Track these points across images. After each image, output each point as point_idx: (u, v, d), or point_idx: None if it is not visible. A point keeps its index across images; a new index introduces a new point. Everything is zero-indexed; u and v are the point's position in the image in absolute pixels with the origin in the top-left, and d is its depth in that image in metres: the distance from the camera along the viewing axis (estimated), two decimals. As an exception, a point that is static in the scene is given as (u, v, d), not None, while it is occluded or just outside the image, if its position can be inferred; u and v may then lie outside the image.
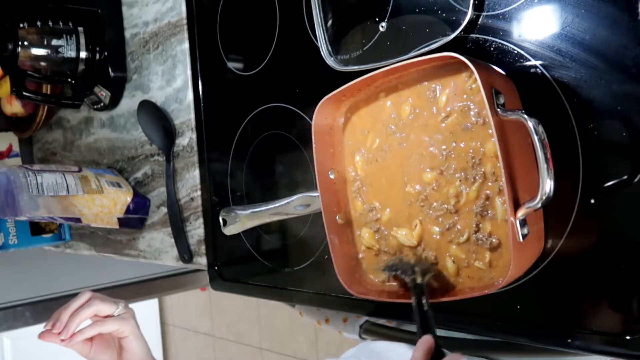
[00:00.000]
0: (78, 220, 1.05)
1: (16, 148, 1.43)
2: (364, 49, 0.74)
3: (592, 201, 0.58)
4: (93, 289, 0.88)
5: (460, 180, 0.61)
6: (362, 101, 0.69)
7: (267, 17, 0.86)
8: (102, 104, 1.16)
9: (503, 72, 0.61)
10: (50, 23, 1.09)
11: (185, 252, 1.03)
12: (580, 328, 0.59)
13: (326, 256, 0.80)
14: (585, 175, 0.58)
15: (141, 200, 1.10)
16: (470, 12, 0.63)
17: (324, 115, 0.70)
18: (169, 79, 1.04)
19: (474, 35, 0.64)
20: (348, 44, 0.76)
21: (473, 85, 0.60)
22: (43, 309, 1.47)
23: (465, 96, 0.61)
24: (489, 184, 0.60)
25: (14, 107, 1.33)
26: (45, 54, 1.09)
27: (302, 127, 0.83)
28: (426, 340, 0.57)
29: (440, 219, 0.63)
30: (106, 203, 1.07)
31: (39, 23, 1.08)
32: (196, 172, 1.00)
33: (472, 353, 0.86)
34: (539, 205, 0.54)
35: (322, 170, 0.70)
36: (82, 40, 1.11)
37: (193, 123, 1.00)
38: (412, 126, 0.65)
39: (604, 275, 0.57)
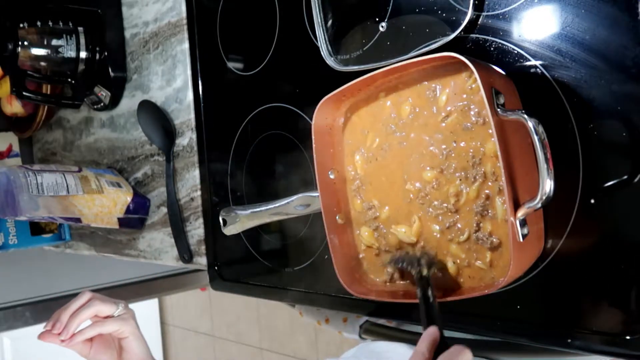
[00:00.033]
0: (78, 220, 1.05)
1: (16, 148, 1.43)
2: (364, 49, 0.74)
3: (592, 201, 0.58)
4: (93, 289, 0.88)
5: (460, 180, 0.61)
6: (362, 101, 0.69)
7: (267, 17, 0.86)
8: (102, 104, 1.16)
9: (503, 72, 0.62)
10: (50, 23, 1.09)
11: (185, 252, 1.03)
12: (580, 328, 0.59)
13: (326, 256, 0.80)
14: (585, 175, 0.58)
15: (141, 200, 1.10)
16: (470, 12, 0.63)
17: (324, 115, 0.70)
18: (169, 79, 1.04)
19: (474, 35, 0.64)
20: (348, 44, 0.76)
21: (473, 85, 0.60)
22: (43, 309, 1.47)
23: (465, 96, 0.61)
24: (489, 183, 0.60)
25: (14, 107, 1.33)
26: (45, 54, 1.09)
27: (302, 127, 0.83)
28: (431, 332, 0.56)
29: (440, 217, 0.63)
30: (106, 203, 1.07)
31: (39, 23, 1.08)
32: (196, 172, 1.00)
33: (472, 353, 0.85)
34: (539, 205, 0.54)
35: (322, 170, 0.70)
36: (82, 40, 1.11)
37: (193, 123, 1.00)
38: (412, 125, 0.65)
39: (604, 275, 0.57)
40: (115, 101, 1.15)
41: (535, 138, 0.53)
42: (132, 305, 0.88)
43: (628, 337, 0.56)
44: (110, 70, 1.12)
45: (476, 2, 0.63)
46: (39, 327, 0.83)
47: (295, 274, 0.86)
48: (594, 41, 0.57)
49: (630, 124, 0.55)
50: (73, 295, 0.85)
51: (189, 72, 1.00)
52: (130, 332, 0.84)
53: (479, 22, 0.64)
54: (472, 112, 0.60)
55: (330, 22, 0.76)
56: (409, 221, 0.66)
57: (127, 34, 1.12)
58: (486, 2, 0.64)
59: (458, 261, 0.63)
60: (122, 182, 1.12)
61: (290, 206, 0.76)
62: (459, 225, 0.62)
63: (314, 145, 0.69)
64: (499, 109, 0.56)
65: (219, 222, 0.83)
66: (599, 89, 0.56)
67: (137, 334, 0.84)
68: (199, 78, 0.98)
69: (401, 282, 0.68)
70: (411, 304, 0.64)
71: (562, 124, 0.59)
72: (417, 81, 0.65)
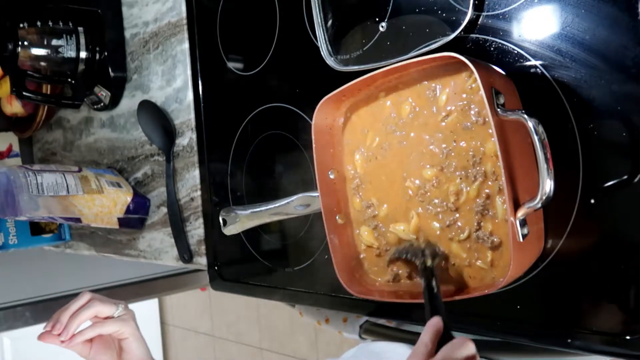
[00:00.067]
0: (78, 220, 1.05)
1: (16, 148, 1.43)
2: (364, 49, 0.74)
3: (592, 201, 0.58)
4: (93, 289, 0.88)
5: (460, 178, 0.61)
6: (362, 101, 0.69)
7: (267, 17, 0.86)
8: (102, 104, 1.16)
9: (503, 72, 0.62)
10: (50, 23, 1.09)
11: (185, 252, 1.03)
12: (580, 328, 0.59)
13: (326, 256, 0.80)
14: (585, 175, 0.58)
15: (141, 200, 1.10)
16: (470, 12, 0.63)
17: (324, 115, 0.70)
18: (169, 79, 1.04)
19: (474, 35, 0.64)
20: (348, 44, 0.76)
21: (473, 85, 0.60)
22: (43, 309, 1.47)
23: (465, 95, 0.61)
24: (489, 183, 0.60)
25: (14, 107, 1.33)
26: (45, 54, 1.09)
27: (302, 127, 0.83)
28: (435, 323, 0.56)
29: (440, 215, 0.63)
30: (106, 203, 1.07)
31: (39, 23, 1.08)
32: (196, 172, 1.00)
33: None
34: (539, 205, 0.54)
35: (322, 170, 0.70)
36: (82, 40, 1.11)
37: (193, 123, 1.00)
38: (412, 125, 0.65)
39: (604, 275, 0.57)
40: (115, 101, 1.15)
41: (535, 138, 0.54)
42: (132, 305, 0.88)
43: (628, 337, 0.56)
44: (110, 70, 1.12)
45: (476, 2, 0.63)
46: (39, 327, 0.83)
47: (295, 274, 0.86)
48: (594, 41, 0.57)
49: (630, 124, 0.55)
50: (73, 295, 0.85)
51: (189, 72, 1.00)
52: (130, 333, 0.84)
53: (479, 22, 0.64)
54: (472, 112, 0.61)
55: (330, 22, 0.76)
56: (407, 218, 0.66)
57: (127, 34, 1.13)
58: (486, 2, 0.64)
59: (459, 261, 0.63)
60: (122, 182, 1.12)
61: (290, 206, 0.76)
62: (459, 224, 0.62)
63: (314, 145, 0.69)
64: (499, 109, 0.56)
65: (219, 222, 0.83)
66: (599, 89, 0.56)
67: (137, 334, 0.84)
68: (199, 78, 0.98)
69: (408, 281, 0.67)
70: (411, 304, 0.64)
71: (562, 124, 0.59)
72: (417, 81, 0.65)
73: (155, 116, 1.05)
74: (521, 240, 0.56)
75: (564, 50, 0.58)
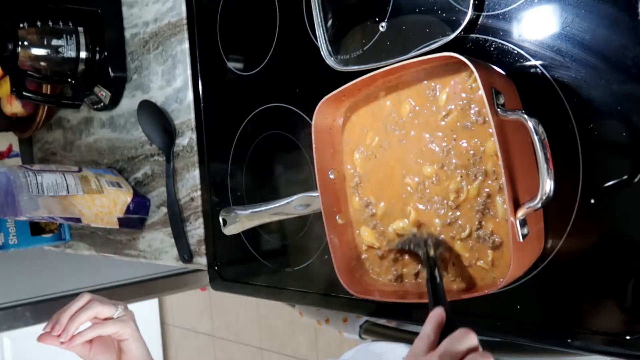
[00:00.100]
0: (78, 220, 1.05)
1: (16, 148, 1.43)
2: (364, 49, 0.74)
3: (592, 201, 0.58)
4: (93, 289, 0.88)
5: (461, 176, 0.61)
6: (362, 100, 0.69)
7: (267, 17, 0.86)
8: (102, 104, 1.16)
9: (503, 72, 0.62)
10: (50, 23, 1.09)
11: (185, 252, 1.03)
12: (580, 328, 0.59)
13: (326, 256, 0.80)
14: (585, 175, 0.58)
15: (141, 200, 1.10)
16: (470, 12, 0.63)
17: (324, 115, 0.70)
18: (169, 79, 1.04)
19: (474, 35, 0.64)
20: (348, 44, 0.75)
21: (473, 85, 0.60)
22: (43, 309, 1.47)
23: (465, 95, 0.61)
24: (490, 182, 0.60)
25: (14, 107, 1.33)
26: (45, 54, 1.09)
27: (302, 127, 0.83)
28: (437, 313, 0.56)
29: (441, 211, 0.63)
30: (106, 203, 1.07)
31: (39, 23, 1.08)
32: (196, 172, 1.00)
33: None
34: (539, 205, 0.54)
35: (322, 170, 0.70)
36: (82, 40, 1.11)
37: (193, 123, 1.00)
38: (412, 124, 0.65)
39: (604, 275, 0.57)
40: (115, 101, 1.15)
41: (535, 138, 0.54)
42: (132, 306, 0.88)
43: (628, 337, 0.56)
44: (110, 70, 1.12)
45: (476, 2, 0.63)
46: (39, 327, 0.83)
47: (295, 274, 0.86)
48: (594, 41, 0.57)
49: (630, 124, 0.55)
50: (73, 296, 0.85)
51: (189, 72, 1.00)
52: (129, 334, 0.84)
53: (479, 22, 0.64)
54: (472, 111, 0.61)
55: (330, 22, 0.76)
56: (405, 214, 0.66)
57: (127, 34, 1.13)
58: (486, 2, 0.64)
59: (460, 261, 0.63)
60: (122, 182, 1.12)
61: (290, 206, 0.76)
62: (460, 222, 0.62)
63: (314, 145, 0.69)
64: (499, 109, 0.56)
65: (219, 222, 0.83)
66: (599, 89, 0.56)
67: (136, 335, 0.84)
68: (199, 78, 0.98)
69: (413, 280, 0.67)
70: (411, 304, 0.64)
71: (562, 124, 0.59)
72: (417, 80, 0.65)
73: (155, 116, 1.05)
74: (521, 240, 0.56)
75: (564, 50, 0.58)
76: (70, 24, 1.10)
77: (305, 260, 0.84)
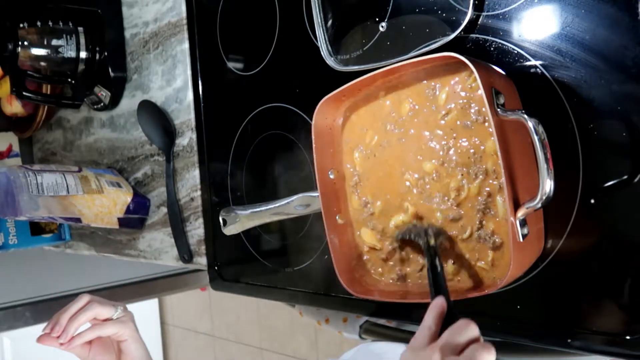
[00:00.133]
0: (78, 220, 1.05)
1: (16, 148, 1.43)
2: (364, 49, 0.74)
3: (592, 201, 0.58)
4: (93, 289, 0.88)
5: (462, 175, 0.61)
6: (362, 100, 0.69)
7: (267, 17, 0.86)
8: (102, 104, 1.16)
9: (503, 72, 0.61)
10: (50, 23, 1.09)
11: (185, 252, 1.03)
12: (580, 328, 0.59)
13: (326, 256, 0.80)
14: (585, 175, 0.58)
15: (141, 200, 1.10)
16: (470, 12, 0.63)
17: (324, 115, 0.70)
18: (169, 79, 1.04)
19: (474, 35, 0.64)
20: (348, 44, 0.75)
21: (473, 84, 0.60)
22: (43, 309, 1.47)
23: (465, 94, 0.61)
24: (491, 181, 0.60)
25: (14, 107, 1.33)
26: (45, 54, 1.09)
27: (302, 127, 0.83)
28: (438, 304, 0.55)
29: (443, 206, 0.63)
30: (106, 203, 1.07)
31: (39, 23, 1.08)
32: (196, 172, 1.00)
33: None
34: (539, 205, 0.54)
35: (322, 170, 0.70)
36: (82, 40, 1.11)
37: (193, 123, 1.00)
38: (411, 122, 0.65)
39: (604, 275, 0.57)
40: (115, 101, 1.15)
41: (535, 138, 0.54)
42: (132, 306, 0.88)
43: (628, 337, 0.56)
44: (110, 70, 1.12)
45: (476, 2, 0.63)
46: (39, 327, 0.83)
47: (295, 274, 0.86)
48: (594, 41, 0.57)
49: (630, 124, 0.55)
50: (73, 296, 0.85)
51: (189, 72, 1.00)
52: (129, 334, 0.84)
53: (479, 22, 0.64)
54: (472, 110, 0.60)
55: (330, 22, 0.76)
56: (403, 210, 0.66)
57: (127, 34, 1.13)
58: (486, 2, 0.64)
59: (460, 262, 0.63)
60: (122, 182, 1.12)
61: (290, 206, 0.76)
62: (462, 223, 0.62)
63: (314, 145, 0.69)
64: (499, 109, 0.56)
65: (219, 222, 0.83)
66: (599, 89, 0.56)
67: (136, 336, 0.84)
68: (199, 78, 0.98)
69: (418, 281, 0.67)
70: (411, 304, 0.64)
71: (562, 124, 0.59)
72: (416, 80, 0.65)
73: (155, 116, 1.05)
74: (521, 240, 0.56)
75: (564, 50, 0.58)
76: (70, 24, 1.10)
77: (305, 260, 0.84)
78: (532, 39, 0.60)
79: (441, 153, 0.63)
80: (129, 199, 1.09)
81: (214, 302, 2.98)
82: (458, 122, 0.61)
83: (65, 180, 1.04)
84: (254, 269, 0.92)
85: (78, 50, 1.11)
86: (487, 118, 0.58)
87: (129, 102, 1.14)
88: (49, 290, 1.51)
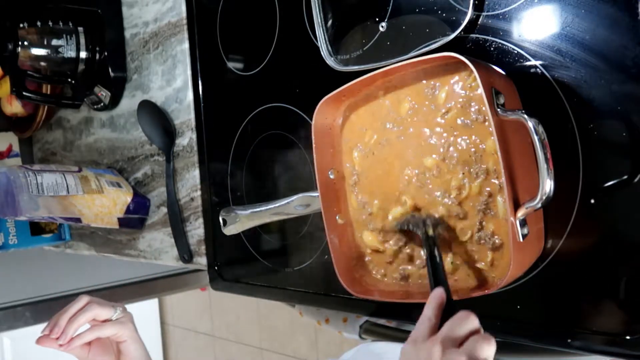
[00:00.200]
0: (78, 220, 1.05)
1: (16, 148, 1.43)
2: (364, 49, 0.74)
3: (592, 201, 0.58)
4: (93, 289, 0.88)
5: (463, 173, 0.61)
6: (361, 100, 0.69)
7: (267, 17, 0.86)
8: (102, 104, 1.16)
9: (503, 72, 0.61)
10: (50, 23, 1.09)
11: (185, 252, 1.03)
12: (580, 328, 0.59)
13: (326, 256, 0.80)
14: (585, 175, 0.58)
15: (141, 200, 1.10)
16: (470, 12, 0.63)
17: (324, 115, 0.70)
18: (169, 79, 1.04)
19: (474, 35, 0.64)
20: (348, 44, 0.75)
21: (473, 83, 0.60)
22: (43, 309, 1.47)
23: (465, 92, 0.61)
24: (492, 180, 0.60)
25: (14, 107, 1.33)
26: (45, 54, 1.09)
27: (302, 127, 0.83)
28: (437, 294, 0.55)
29: (444, 200, 0.63)
30: (106, 203, 1.07)
31: (39, 23, 1.08)
32: (196, 172, 1.00)
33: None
34: (539, 205, 0.54)
35: (322, 170, 0.70)
36: (82, 40, 1.11)
37: (193, 123, 1.00)
38: (411, 121, 0.65)
39: (604, 275, 0.57)
40: (115, 101, 1.15)
41: (535, 138, 0.53)
42: (131, 306, 0.88)
43: (628, 337, 0.56)
44: (110, 70, 1.12)
45: (476, 2, 0.63)
46: (39, 327, 0.83)
47: (295, 274, 0.86)
48: (594, 41, 0.57)
49: (630, 124, 0.55)
50: (73, 296, 0.85)
51: (189, 72, 1.00)
52: (128, 335, 0.84)
53: (479, 22, 0.64)
54: (472, 109, 0.60)
55: (330, 22, 0.76)
56: (400, 204, 0.66)
57: (127, 34, 1.12)
58: (486, 2, 0.64)
59: (459, 262, 0.63)
60: (122, 182, 1.12)
61: (290, 206, 0.76)
62: (461, 227, 0.62)
63: (314, 145, 0.69)
64: (499, 109, 0.56)
65: (219, 222, 0.83)
66: (599, 89, 0.56)
67: (135, 337, 0.84)
68: (199, 78, 0.98)
69: (418, 281, 0.67)
70: (411, 304, 0.64)
71: (562, 124, 0.59)
72: (416, 80, 0.65)
73: (155, 116, 1.05)
74: (521, 240, 0.56)
75: (564, 50, 0.58)
76: (70, 24, 1.10)
77: (305, 260, 0.84)
78: (532, 39, 0.60)
79: (441, 150, 0.63)
80: (129, 199, 1.09)
81: (214, 302, 2.98)
82: (458, 121, 0.61)
83: (65, 180, 1.04)
84: (254, 269, 0.92)
85: (78, 50, 1.11)
86: (487, 117, 0.58)
87: (129, 102, 1.14)
88: (49, 290, 1.51)
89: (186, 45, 1.00)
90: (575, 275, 0.59)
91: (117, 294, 1.55)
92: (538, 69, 0.60)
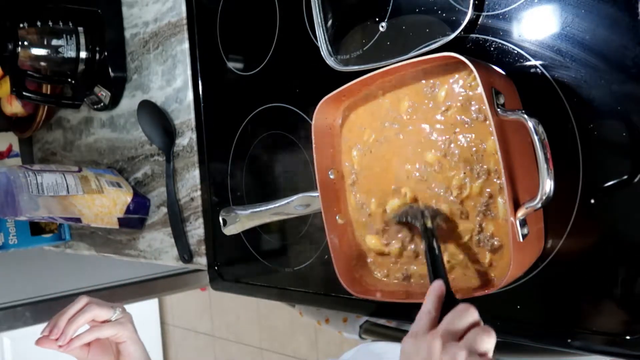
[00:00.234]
0: (78, 220, 1.05)
1: (16, 148, 1.43)
2: (364, 49, 0.74)
3: (592, 201, 0.58)
4: (93, 290, 0.88)
5: (464, 173, 0.61)
6: (361, 99, 0.69)
7: (267, 17, 0.86)
8: (102, 104, 1.16)
9: (503, 72, 0.61)
10: (50, 23, 1.09)
11: (185, 252, 1.03)
12: (580, 328, 0.59)
13: (326, 256, 0.80)
14: (585, 175, 0.58)
15: (141, 200, 1.10)
16: (470, 12, 0.63)
17: (324, 115, 0.70)
18: (169, 79, 1.04)
19: (474, 35, 0.64)
20: (348, 44, 0.75)
21: (472, 83, 0.60)
22: (43, 309, 1.47)
23: (465, 91, 0.61)
24: (495, 180, 0.60)
25: (14, 107, 1.33)
26: (45, 54, 1.09)
27: (302, 127, 0.83)
28: (437, 287, 0.55)
29: (448, 196, 0.63)
30: (106, 203, 1.07)
31: (39, 23, 1.08)
32: (196, 172, 1.00)
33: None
34: (539, 205, 0.54)
35: (322, 170, 0.70)
36: (82, 40, 1.11)
37: (193, 123, 1.00)
38: (410, 119, 0.65)
39: (604, 275, 0.57)
40: (115, 101, 1.15)
41: (535, 138, 0.53)
42: (131, 306, 0.88)
43: (628, 337, 0.56)
44: (110, 70, 1.12)
45: (476, 2, 0.63)
46: (39, 327, 0.83)
47: (295, 274, 0.86)
48: (594, 41, 0.57)
49: (630, 124, 0.55)
50: (73, 296, 0.85)
51: (189, 72, 1.00)
52: (127, 336, 0.84)
53: (479, 22, 0.64)
54: (472, 108, 0.60)
55: (330, 22, 0.76)
56: (398, 195, 0.66)
57: (127, 34, 1.12)
58: (486, 2, 0.64)
59: (454, 261, 0.63)
60: (122, 182, 1.12)
61: (290, 206, 0.76)
62: (461, 229, 0.62)
63: (314, 145, 0.69)
64: (499, 109, 0.56)
65: (219, 222, 0.83)
66: (599, 89, 0.56)
67: (134, 338, 0.84)
68: (199, 78, 0.98)
69: (420, 281, 0.67)
70: (411, 304, 0.64)
71: (562, 124, 0.59)
72: (416, 80, 0.65)
73: (155, 116, 1.05)
74: (521, 240, 0.56)
75: (564, 50, 0.58)
76: (70, 24, 1.10)
77: (305, 260, 0.84)
78: (532, 39, 0.60)
79: (442, 146, 0.62)
80: (129, 199, 1.09)
81: (214, 302, 2.98)
82: (458, 117, 0.61)
83: (65, 180, 1.04)
84: (254, 269, 0.92)
85: (78, 50, 1.11)
86: (487, 116, 0.58)
87: (129, 102, 1.14)
88: (49, 290, 1.51)
89: (186, 45, 1.00)
90: (575, 275, 0.59)
91: (117, 294, 1.55)
92: (538, 69, 0.60)
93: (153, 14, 1.06)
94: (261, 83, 0.88)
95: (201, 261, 1.01)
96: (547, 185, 0.53)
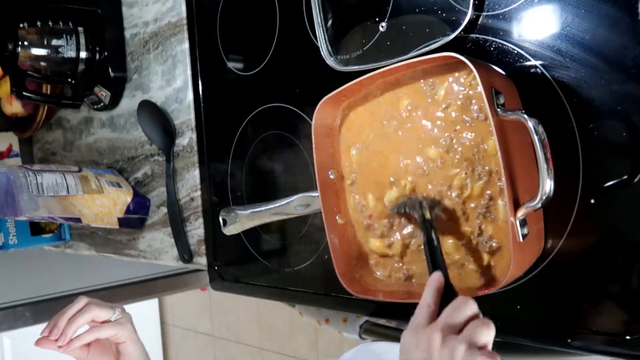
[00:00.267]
0: (78, 220, 1.05)
1: (16, 148, 1.43)
2: (364, 49, 0.74)
3: (592, 201, 0.58)
4: (93, 290, 0.88)
5: (466, 173, 0.61)
6: (361, 99, 0.69)
7: (267, 17, 0.86)
8: (102, 104, 1.16)
9: (503, 72, 0.61)
10: (50, 23, 1.09)
11: (185, 252, 1.03)
12: (580, 328, 0.59)
13: (326, 256, 0.80)
14: (585, 175, 0.58)
15: (141, 200, 1.10)
16: (470, 12, 0.63)
17: (324, 115, 0.70)
18: (169, 79, 1.04)
19: (474, 35, 0.64)
20: (348, 44, 0.75)
21: (472, 82, 0.60)
22: (43, 309, 1.47)
23: (464, 90, 0.61)
24: (496, 182, 0.60)
25: (14, 107, 1.33)
26: (45, 54, 1.09)
27: (302, 127, 0.83)
28: (436, 279, 0.55)
29: (450, 193, 0.63)
30: (106, 203, 1.07)
31: (39, 23, 1.08)
32: (196, 172, 1.00)
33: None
34: (539, 205, 0.54)
35: (322, 170, 0.70)
36: (82, 40, 1.11)
37: (193, 123, 1.00)
38: (409, 116, 0.65)
39: (604, 275, 0.57)
40: (115, 101, 1.15)
41: (535, 138, 0.53)
42: (131, 306, 0.88)
43: (628, 337, 0.56)
44: (110, 70, 1.12)
45: (476, 2, 0.63)
46: (39, 327, 0.83)
47: (295, 274, 0.86)
48: (594, 41, 0.57)
49: (630, 124, 0.55)
50: (73, 296, 0.85)
51: (189, 72, 1.00)
52: (127, 336, 0.84)
53: (479, 22, 0.64)
54: (473, 107, 0.60)
55: (330, 22, 0.76)
56: (396, 185, 0.66)
57: (127, 34, 1.12)
58: (486, 2, 0.64)
59: (450, 261, 0.63)
60: (122, 182, 1.12)
61: (290, 206, 0.76)
62: (461, 231, 0.62)
63: (314, 145, 0.69)
64: (499, 109, 0.56)
65: (219, 222, 0.83)
66: (599, 89, 0.56)
67: (134, 338, 0.84)
68: (199, 78, 0.98)
69: (421, 281, 0.67)
70: (411, 304, 0.64)
71: (562, 124, 0.59)
72: (416, 80, 0.65)
73: (155, 116, 1.05)
74: (521, 240, 0.56)
75: (564, 50, 0.58)
76: (70, 24, 1.10)
77: (305, 260, 0.84)
78: (532, 39, 0.60)
79: (444, 142, 0.62)
80: (129, 199, 1.09)
81: (214, 302, 2.98)
82: (457, 115, 0.61)
83: (65, 180, 1.04)
84: (254, 269, 0.92)
85: (78, 50, 1.11)
86: (487, 115, 0.58)
87: (129, 102, 1.14)
88: (49, 290, 1.51)
89: (186, 45, 1.00)
90: (575, 275, 0.59)
91: (117, 294, 1.55)
92: (538, 69, 0.60)
93: (153, 14, 1.06)
94: (261, 83, 0.89)
95: (201, 261, 1.01)
96: (547, 185, 0.53)
